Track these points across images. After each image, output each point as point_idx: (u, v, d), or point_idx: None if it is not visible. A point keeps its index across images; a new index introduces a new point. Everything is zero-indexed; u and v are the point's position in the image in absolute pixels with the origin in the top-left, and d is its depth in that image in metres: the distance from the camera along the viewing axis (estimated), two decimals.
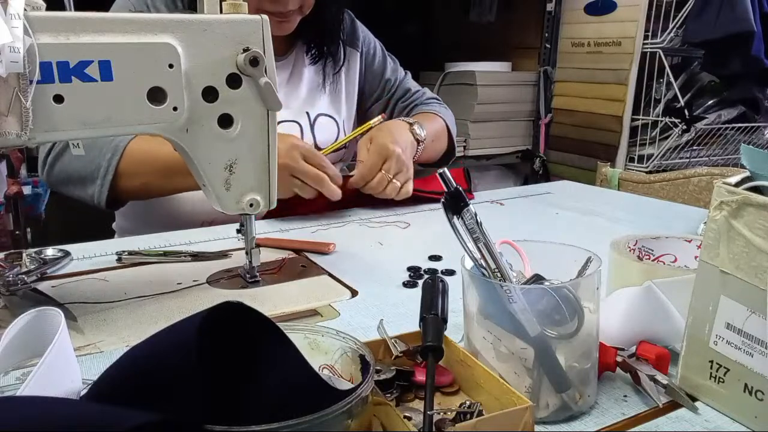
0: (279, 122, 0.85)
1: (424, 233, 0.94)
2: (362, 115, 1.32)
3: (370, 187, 1.01)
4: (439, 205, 0.46)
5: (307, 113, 1.15)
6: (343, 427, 0.34)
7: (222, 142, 0.62)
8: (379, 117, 1.11)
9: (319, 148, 1.15)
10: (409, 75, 1.35)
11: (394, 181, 1.02)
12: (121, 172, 0.90)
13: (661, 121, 2.05)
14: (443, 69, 2.42)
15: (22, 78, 0.49)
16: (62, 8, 1.67)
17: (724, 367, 0.44)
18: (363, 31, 1.27)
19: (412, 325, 0.48)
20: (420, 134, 1.11)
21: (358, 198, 1.07)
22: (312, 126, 1.15)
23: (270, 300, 0.67)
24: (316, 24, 1.12)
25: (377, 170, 1.01)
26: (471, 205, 0.45)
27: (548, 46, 2.33)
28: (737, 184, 0.44)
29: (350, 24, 1.25)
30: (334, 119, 1.19)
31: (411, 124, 1.11)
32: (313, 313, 0.63)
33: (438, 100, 1.34)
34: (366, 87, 1.28)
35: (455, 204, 0.45)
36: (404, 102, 1.30)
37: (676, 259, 0.61)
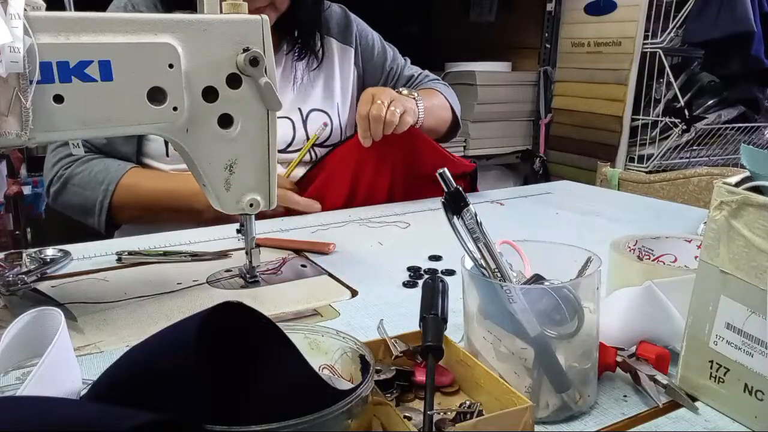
0: None
1: (424, 233, 0.94)
2: None
3: (373, 118, 1.00)
4: (439, 205, 0.46)
5: (299, 109, 1.15)
6: (343, 427, 0.34)
7: (222, 142, 0.62)
8: (321, 125, 1.15)
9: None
10: (409, 61, 1.35)
11: (391, 108, 1.01)
12: (113, 208, 1.01)
13: (661, 121, 2.05)
14: (443, 69, 2.41)
15: (22, 78, 0.49)
16: (62, 8, 1.67)
17: (724, 367, 0.44)
18: (359, 26, 1.27)
19: (412, 325, 0.48)
20: (407, 92, 1.12)
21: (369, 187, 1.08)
22: (305, 121, 1.15)
23: (270, 300, 0.67)
24: (295, 19, 1.12)
25: (368, 108, 1.01)
26: (471, 205, 0.45)
27: (548, 46, 2.33)
28: (737, 184, 0.44)
29: (344, 20, 1.24)
30: (327, 114, 1.19)
31: (399, 90, 1.12)
32: (313, 313, 0.63)
33: (439, 80, 1.34)
34: (368, 81, 1.28)
35: (455, 204, 0.45)
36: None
37: (676, 259, 0.61)
